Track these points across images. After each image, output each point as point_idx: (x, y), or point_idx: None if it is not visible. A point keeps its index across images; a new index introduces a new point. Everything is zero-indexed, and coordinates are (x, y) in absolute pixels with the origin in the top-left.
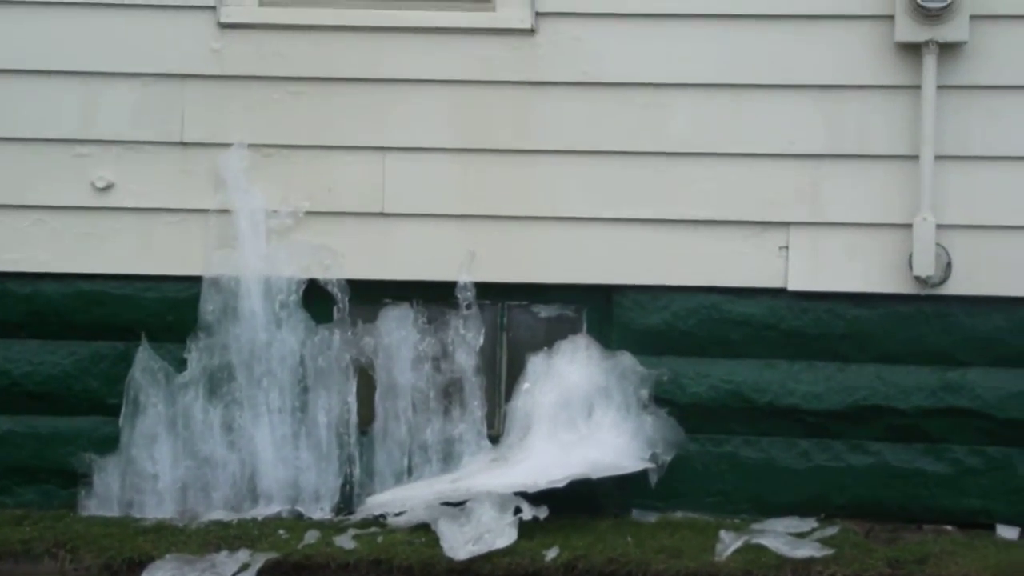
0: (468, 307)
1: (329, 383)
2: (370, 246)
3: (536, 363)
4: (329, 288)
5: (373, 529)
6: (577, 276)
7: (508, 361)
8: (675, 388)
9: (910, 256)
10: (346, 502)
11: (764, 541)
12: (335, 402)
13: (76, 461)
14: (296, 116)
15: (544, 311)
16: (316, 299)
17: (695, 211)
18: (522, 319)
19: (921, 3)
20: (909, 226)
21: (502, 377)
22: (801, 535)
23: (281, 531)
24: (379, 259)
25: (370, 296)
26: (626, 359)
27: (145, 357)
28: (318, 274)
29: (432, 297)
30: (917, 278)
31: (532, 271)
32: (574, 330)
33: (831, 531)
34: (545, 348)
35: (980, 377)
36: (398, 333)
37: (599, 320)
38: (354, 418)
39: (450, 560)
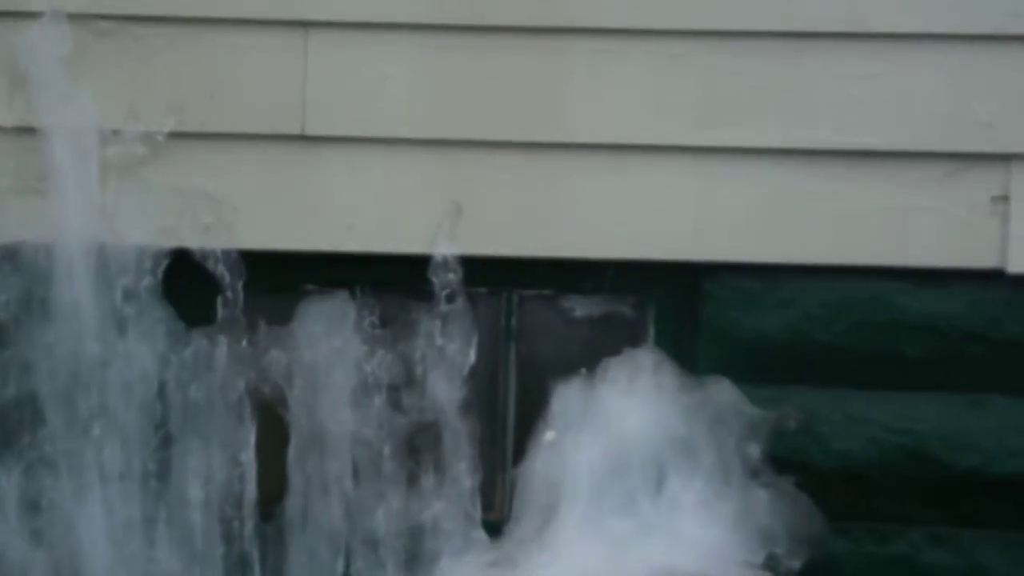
0: (451, 299)
1: (208, 430)
2: (283, 194)
3: (567, 396)
4: (211, 266)
5: None
6: (639, 248)
7: (519, 392)
8: (809, 442)
9: None
10: None
11: None
12: (219, 463)
13: None
14: None
15: (581, 306)
16: (188, 285)
17: (845, 135)
18: (543, 320)
19: None
20: None
21: (508, 420)
22: None
23: None
24: (298, 217)
25: (283, 280)
26: (723, 390)
27: None
28: (192, 241)
29: (389, 282)
30: None
31: (561, 239)
32: (633, 339)
33: None
34: (582, 370)
35: None
36: (330, 343)
37: (676, 323)
38: (251, 491)
39: None
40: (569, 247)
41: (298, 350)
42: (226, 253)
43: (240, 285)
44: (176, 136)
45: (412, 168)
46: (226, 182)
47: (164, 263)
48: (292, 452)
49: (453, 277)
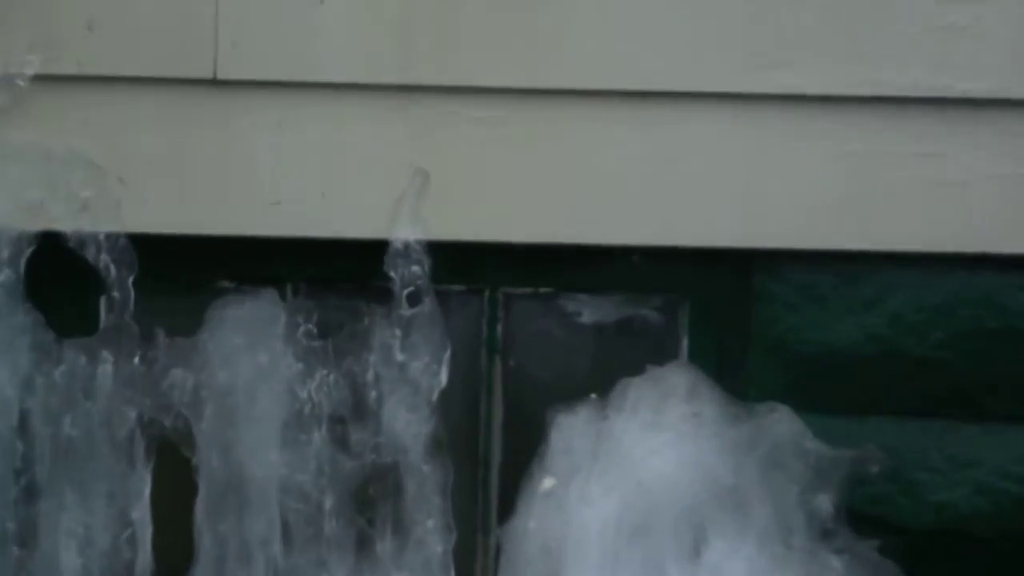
0: (415, 299)
1: (88, 477)
2: (187, 160)
3: (571, 429)
4: (91, 255)
5: None
6: (668, 230)
7: (507, 425)
8: (897, 492)
9: None
10: None
11: None
12: (102, 522)
13: None
14: None
15: (590, 309)
16: (60, 281)
17: (945, 78)
18: (539, 327)
19: None
20: None
21: (491, 463)
22: None
23: None
24: (208, 190)
25: (188, 274)
26: (781, 422)
27: None
28: (65, 223)
29: (332, 277)
30: None
31: (563, 218)
32: (659, 352)
33: None
34: (592, 395)
35: None
36: (252, 360)
37: (718, 330)
38: (145, 559)
39: None
40: (574, 230)
41: (209, 369)
42: (111, 238)
43: (130, 281)
44: (43, 80)
45: (361, 124)
46: (111, 143)
47: (27, 251)
48: (201, 507)
49: (418, 270)
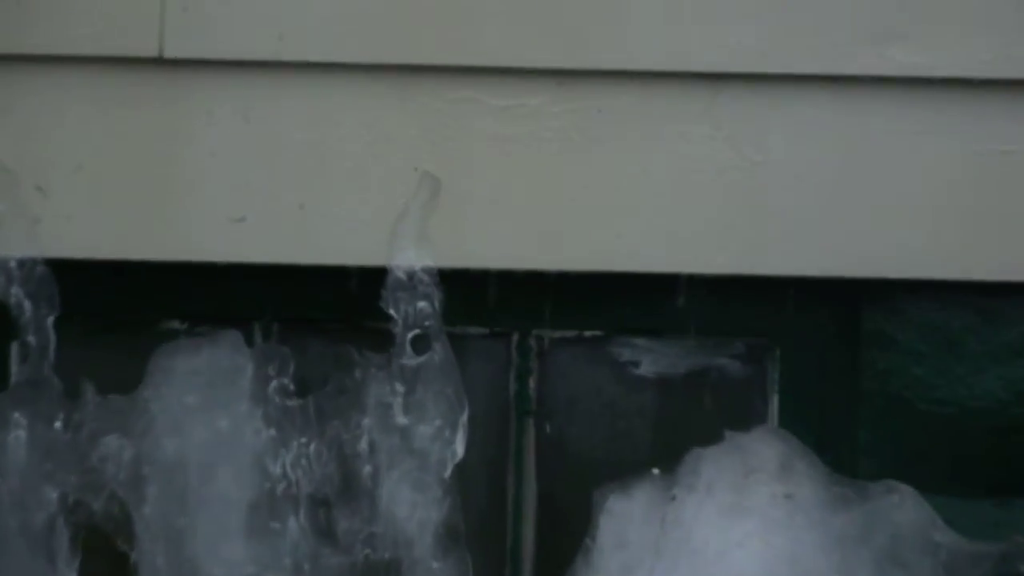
0: (422, 344)
1: None
2: (126, 162)
3: (627, 514)
4: None
5: None
6: (750, 256)
7: (542, 508)
8: None
9: None
10: None
11: None
12: None
13: None
14: None
15: (653, 357)
16: None
17: None
18: (585, 382)
19: None
20: None
21: (522, 560)
22: None
23: None
24: (153, 202)
25: (127, 312)
26: (902, 504)
27: None
28: None
29: (313, 316)
30: None
31: (616, 240)
32: (741, 413)
33: None
34: (653, 469)
35: None
36: (210, 425)
37: (818, 384)
38: None
39: None
40: (629, 255)
41: (153, 437)
42: (26, 266)
43: (50, 322)
44: None
45: (351, 115)
46: (27, 142)
47: None
48: None
49: (425, 307)
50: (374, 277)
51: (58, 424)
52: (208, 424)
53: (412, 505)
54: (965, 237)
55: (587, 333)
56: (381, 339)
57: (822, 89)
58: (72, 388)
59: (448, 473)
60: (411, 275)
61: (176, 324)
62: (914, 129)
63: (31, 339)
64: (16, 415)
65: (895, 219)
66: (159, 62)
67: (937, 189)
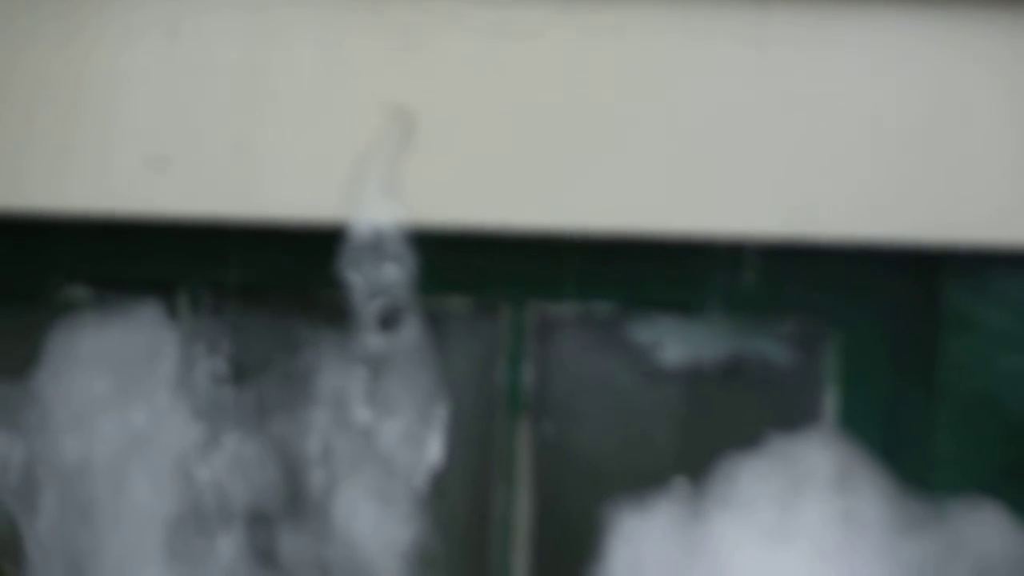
0: (389, 320)
1: None
2: (15, 88)
3: (642, 535)
4: None
5: None
6: (807, 217)
7: (538, 526)
8: None
9: None
10: None
11: None
12: None
13: None
14: None
15: (679, 339)
16: None
17: None
18: (594, 368)
19: None
20: None
21: None
22: None
23: None
24: (50, 141)
25: (15, 276)
26: (990, 525)
27: None
28: None
29: (254, 283)
30: None
31: (633, 195)
32: (790, 409)
33: None
34: (679, 476)
35: None
36: (120, 417)
37: (883, 374)
38: None
39: None
40: (650, 212)
41: (49, 433)
42: None
43: None
44: None
45: (298, 31)
46: None
47: None
48: None
49: (395, 273)
50: (330, 235)
51: None
52: (120, 418)
53: (375, 522)
54: None
55: (597, 308)
56: (338, 313)
57: (896, 5)
58: None
59: (422, 482)
60: (377, 233)
61: (80, 293)
62: (1007, 58)
63: None
64: None
65: (986, 176)
66: None
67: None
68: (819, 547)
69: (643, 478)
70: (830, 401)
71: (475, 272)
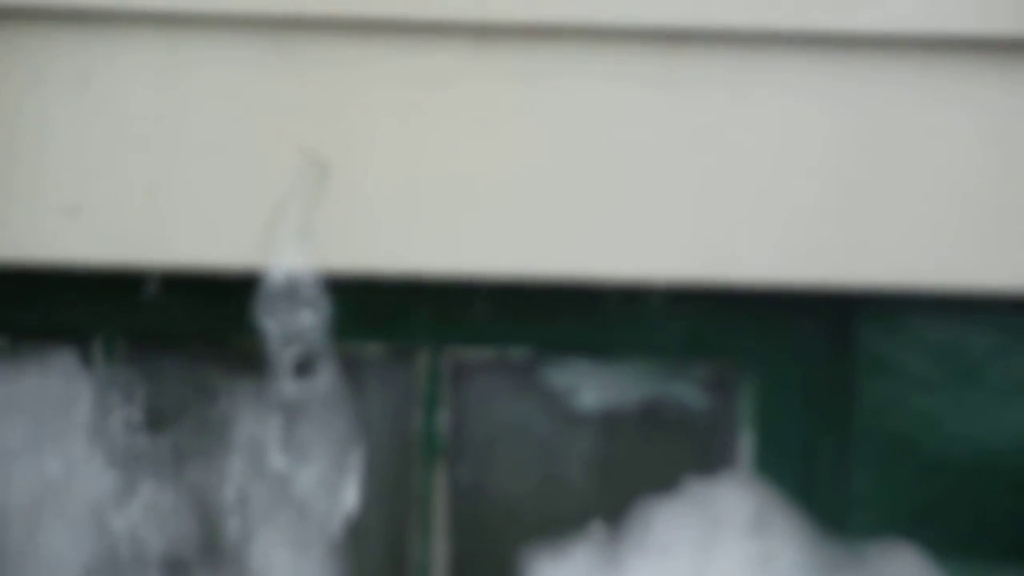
0: (305, 367)
1: None
2: None
3: None
4: None
5: None
6: (721, 260)
7: (457, 570)
8: None
9: None
10: None
11: None
12: None
13: None
14: None
15: (594, 384)
16: None
17: None
18: (510, 414)
19: None
20: None
21: None
22: None
23: None
24: None
25: None
26: (906, 569)
27: None
28: None
29: (167, 330)
30: None
31: (547, 238)
32: (705, 453)
33: None
34: (595, 519)
35: None
36: (32, 466)
37: (798, 416)
38: None
39: None
40: (565, 256)
41: None
42: None
43: None
44: None
45: (215, 78)
46: None
47: None
48: None
49: (310, 320)
50: (245, 282)
51: None
52: (32, 467)
53: (291, 569)
54: (989, 239)
55: (512, 353)
56: (253, 360)
57: (803, 51)
58: None
59: (336, 529)
60: (291, 279)
61: None
62: (926, 101)
63: None
64: None
65: (898, 215)
66: None
67: (956, 177)
68: None
69: (560, 523)
70: (746, 444)
71: (390, 318)
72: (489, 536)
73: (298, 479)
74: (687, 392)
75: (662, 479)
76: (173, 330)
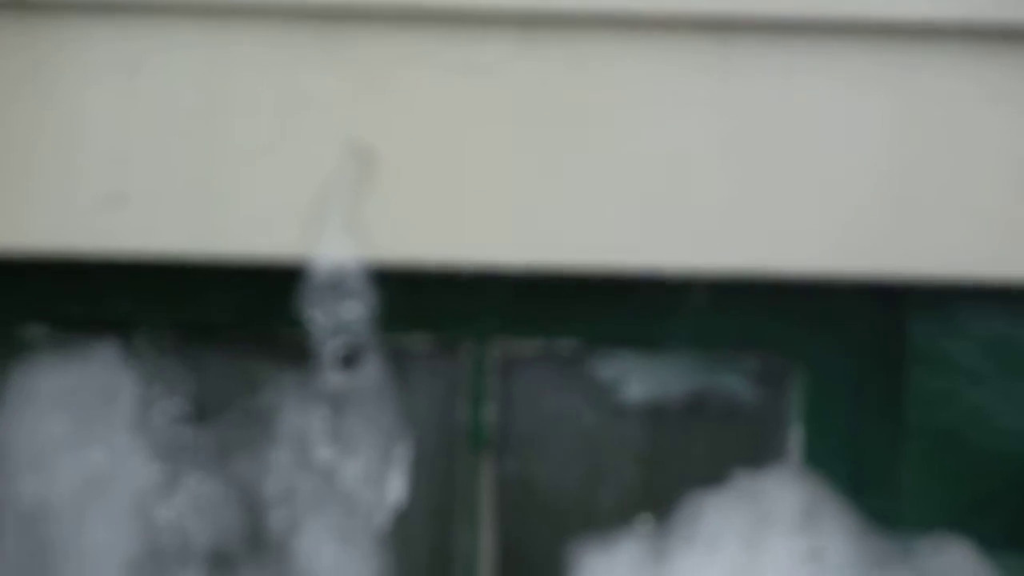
0: (350, 359)
1: None
2: None
3: (607, 575)
4: None
5: None
6: (771, 253)
7: (501, 566)
8: None
9: None
10: None
11: None
12: None
13: None
14: None
15: (642, 376)
16: None
17: None
18: (557, 407)
19: None
20: None
21: None
22: None
23: None
24: (7, 179)
25: None
26: (958, 566)
27: None
28: None
29: (212, 321)
30: None
31: (596, 232)
32: (755, 447)
33: None
34: (644, 514)
35: None
36: (76, 458)
37: (848, 410)
38: None
39: None
40: (613, 250)
41: (7, 475)
42: None
43: None
44: None
45: (257, 70)
46: None
47: None
48: None
49: (356, 312)
50: (290, 273)
51: None
52: (78, 459)
53: (337, 561)
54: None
55: (560, 345)
56: (299, 352)
57: (863, 37)
58: None
59: (383, 522)
60: (337, 270)
61: (38, 332)
62: (982, 92)
63: None
64: None
65: (951, 208)
66: (20, 4)
67: (1009, 168)
68: None
69: (606, 516)
70: (795, 437)
71: (436, 309)
72: (535, 529)
73: (344, 471)
74: (735, 384)
75: (710, 472)
76: (218, 321)
